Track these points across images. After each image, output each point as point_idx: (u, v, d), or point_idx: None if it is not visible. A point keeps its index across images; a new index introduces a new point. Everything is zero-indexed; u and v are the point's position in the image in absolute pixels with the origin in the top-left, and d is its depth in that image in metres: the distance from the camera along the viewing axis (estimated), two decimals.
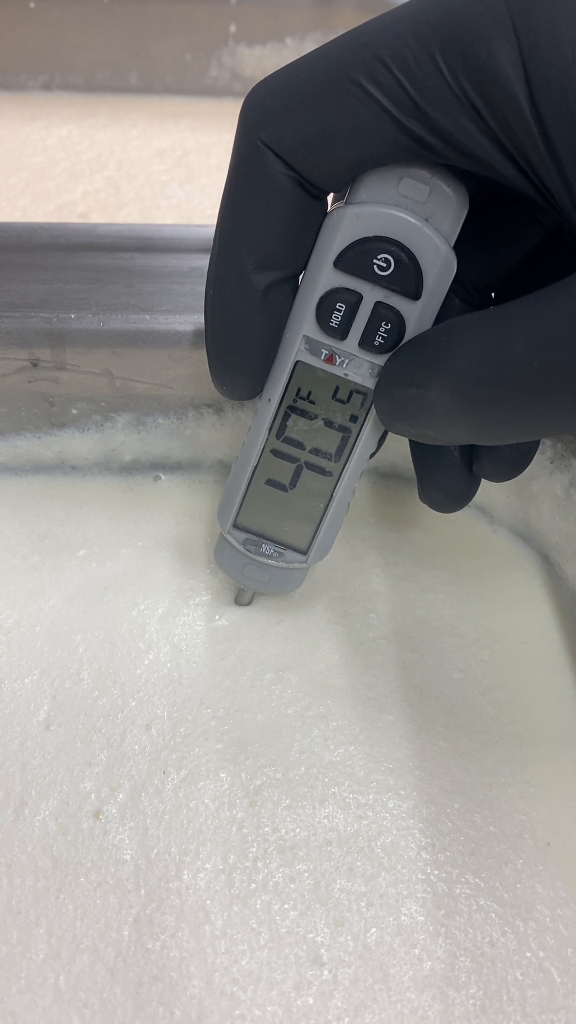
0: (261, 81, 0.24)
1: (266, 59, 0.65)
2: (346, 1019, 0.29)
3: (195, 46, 0.65)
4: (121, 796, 0.33)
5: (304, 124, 0.23)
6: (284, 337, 0.29)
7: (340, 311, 0.27)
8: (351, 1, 0.63)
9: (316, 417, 0.30)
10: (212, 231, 0.27)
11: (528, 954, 0.31)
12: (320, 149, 0.24)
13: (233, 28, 0.64)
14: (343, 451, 0.31)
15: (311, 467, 0.32)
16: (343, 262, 0.27)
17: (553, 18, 0.20)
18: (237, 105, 0.25)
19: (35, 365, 0.37)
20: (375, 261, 0.26)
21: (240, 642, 0.37)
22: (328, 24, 0.64)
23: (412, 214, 0.25)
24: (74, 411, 0.39)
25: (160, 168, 0.61)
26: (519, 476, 0.31)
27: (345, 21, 0.63)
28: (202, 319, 0.29)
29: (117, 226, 0.40)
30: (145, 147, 0.63)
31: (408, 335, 0.27)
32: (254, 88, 0.24)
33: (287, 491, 0.32)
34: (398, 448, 0.39)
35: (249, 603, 0.38)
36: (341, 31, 0.23)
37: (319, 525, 0.33)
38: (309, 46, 0.64)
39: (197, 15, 0.63)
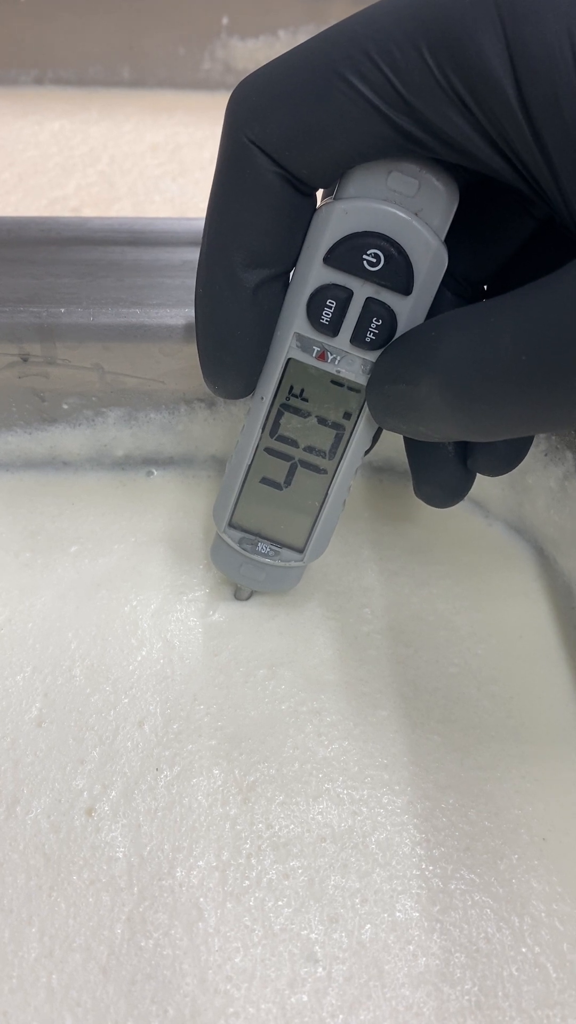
0: (247, 78, 0.24)
1: (259, 52, 0.64)
2: (340, 1016, 0.29)
3: (188, 39, 0.64)
4: (114, 793, 0.33)
5: (291, 121, 0.23)
6: (275, 335, 0.29)
7: (331, 307, 0.27)
8: None
9: (309, 415, 0.30)
10: (202, 225, 0.27)
11: (523, 950, 0.31)
12: (307, 146, 0.23)
13: (226, 21, 0.63)
14: (337, 448, 0.31)
15: (305, 465, 0.32)
16: (333, 258, 0.26)
17: (540, 11, 0.20)
18: None
19: (25, 360, 0.36)
20: (365, 256, 0.26)
21: (234, 638, 0.37)
22: (321, 17, 0.64)
23: (401, 208, 0.25)
24: (65, 406, 0.39)
25: (153, 162, 0.61)
26: (514, 469, 0.31)
27: (338, 13, 0.63)
28: (193, 313, 0.29)
29: (107, 220, 0.40)
30: (138, 141, 0.63)
31: (400, 331, 0.27)
32: (240, 85, 0.24)
33: (282, 489, 0.32)
34: (392, 442, 0.38)
35: (248, 598, 0.38)
36: (334, 23, 0.23)
37: (315, 523, 0.33)
38: (302, 39, 0.63)
39: (189, 8, 0.63)
